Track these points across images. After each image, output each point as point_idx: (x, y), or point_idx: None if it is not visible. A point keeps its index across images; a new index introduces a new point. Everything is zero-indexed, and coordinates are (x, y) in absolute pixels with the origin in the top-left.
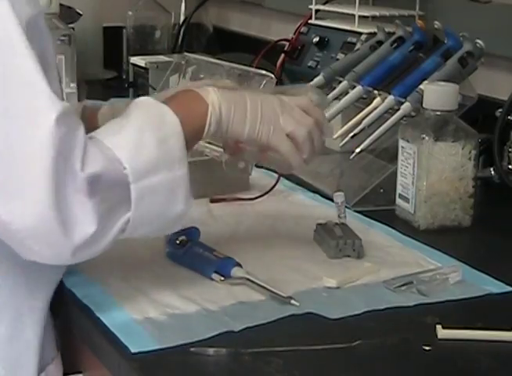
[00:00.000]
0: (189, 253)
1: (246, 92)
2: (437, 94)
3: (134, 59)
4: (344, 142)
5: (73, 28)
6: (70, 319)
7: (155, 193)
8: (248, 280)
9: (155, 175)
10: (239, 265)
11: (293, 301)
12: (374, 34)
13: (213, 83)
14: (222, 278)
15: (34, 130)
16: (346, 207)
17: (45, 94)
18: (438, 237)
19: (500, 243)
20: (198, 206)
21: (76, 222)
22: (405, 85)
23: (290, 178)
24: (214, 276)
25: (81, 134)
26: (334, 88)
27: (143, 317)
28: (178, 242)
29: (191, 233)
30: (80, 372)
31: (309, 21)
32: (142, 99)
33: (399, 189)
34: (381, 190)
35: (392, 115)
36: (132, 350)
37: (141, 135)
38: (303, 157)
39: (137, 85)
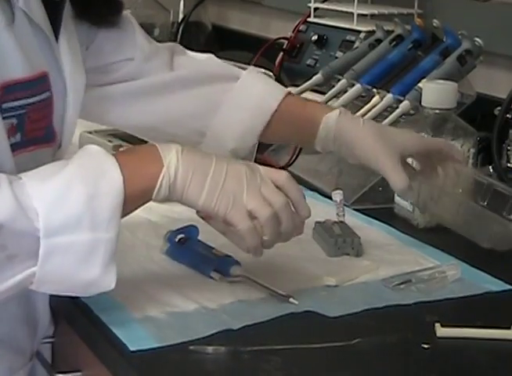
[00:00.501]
0: (188, 251)
1: (215, 157)
2: (436, 92)
3: None
4: None
5: None
6: (68, 318)
7: (68, 252)
8: (247, 278)
9: (72, 233)
10: (238, 263)
11: (291, 300)
12: (373, 32)
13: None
14: (221, 276)
15: None
16: (345, 205)
17: None
18: (436, 235)
19: None
20: None
21: None
22: (403, 83)
23: None
24: (213, 274)
25: None
26: (333, 87)
27: (142, 315)
28: (177, 240)
29: (190, 231)
30: (79, 370)
31: (308, 19)
32: (91, 147)
33: None
34: (380, 188)
35: (391, 113)
36: (131, 348)
37: (69, 188)
38: (264, 238)
39: None
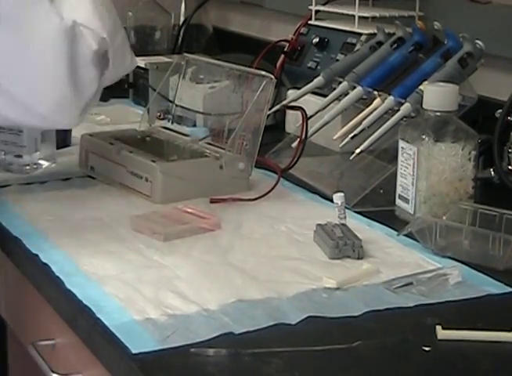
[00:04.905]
0: None
1: None
2: (437, 95)
3: None
4: (344, 142)
5: None
6: (69, 320)
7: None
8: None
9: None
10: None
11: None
12: (374, 34)
13: None
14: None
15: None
16: (346, 207)
17: None
18: None
19: None
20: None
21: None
22: (405, 86)
23: (290, 178)
24: None
25: None
26: (334, 89)
27: (144, 318)
28: None
29: None
30: (79, 373)
31: (309, 22)
32: None
33: (399, 190)
34: (381, 191)
35: (392, 116)
36: (133, 351)
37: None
38: None
39: (137, 86)
